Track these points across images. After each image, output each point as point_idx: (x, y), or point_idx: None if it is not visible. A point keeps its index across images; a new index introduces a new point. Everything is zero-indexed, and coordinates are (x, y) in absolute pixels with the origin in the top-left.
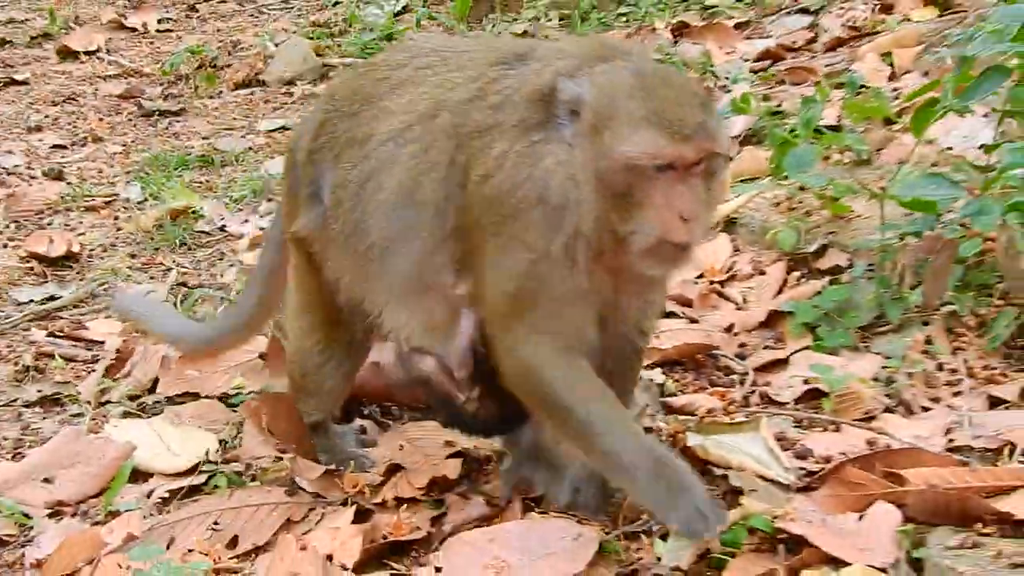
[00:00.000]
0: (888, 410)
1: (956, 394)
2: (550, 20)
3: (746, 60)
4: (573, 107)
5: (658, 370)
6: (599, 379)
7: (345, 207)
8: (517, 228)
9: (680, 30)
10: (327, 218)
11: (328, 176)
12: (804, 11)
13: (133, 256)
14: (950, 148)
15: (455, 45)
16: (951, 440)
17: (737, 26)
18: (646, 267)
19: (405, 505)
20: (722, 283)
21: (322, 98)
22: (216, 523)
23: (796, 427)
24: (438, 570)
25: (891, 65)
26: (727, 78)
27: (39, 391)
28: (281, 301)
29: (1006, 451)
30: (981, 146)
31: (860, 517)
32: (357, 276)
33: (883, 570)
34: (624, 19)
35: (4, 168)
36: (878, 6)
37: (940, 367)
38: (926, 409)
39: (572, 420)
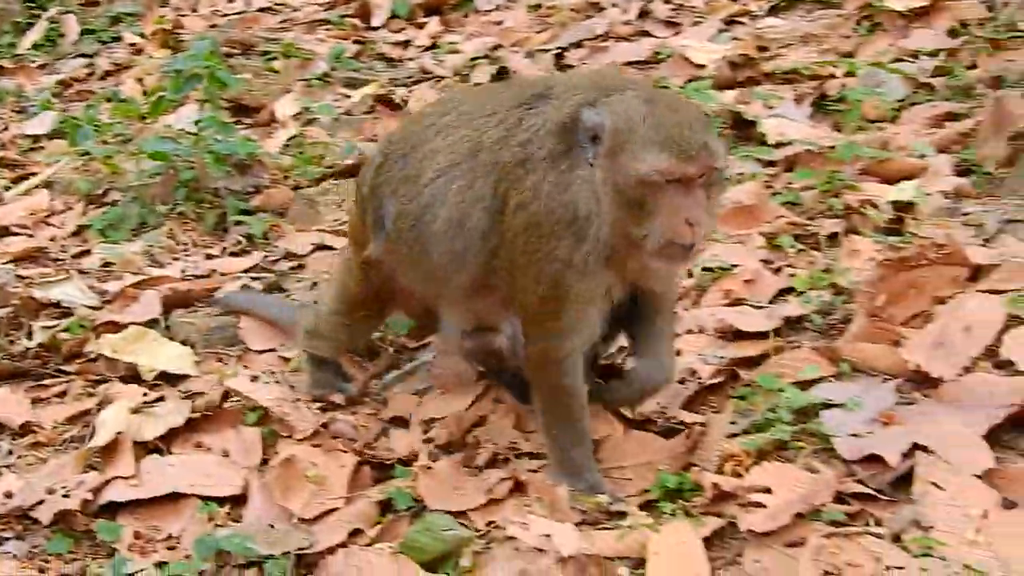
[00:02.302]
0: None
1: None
2: None
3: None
4: (594, 133)
5: None
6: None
7: (407, 235)
8: (551, 246)
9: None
10: (392, 242)
11: (389, 207)
12: (83, 55)
13: None
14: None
15: (487, 93)
16: None
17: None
18: (656, 265)
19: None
20: None
21: (382, 143)
22: None
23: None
24: None
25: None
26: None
27: None
28: None
29: None
30: (196, 122)
31: None
32: (424, 287)
33: None
34: None
35: None
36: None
37: (177, 241)
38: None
39: (561, 398)
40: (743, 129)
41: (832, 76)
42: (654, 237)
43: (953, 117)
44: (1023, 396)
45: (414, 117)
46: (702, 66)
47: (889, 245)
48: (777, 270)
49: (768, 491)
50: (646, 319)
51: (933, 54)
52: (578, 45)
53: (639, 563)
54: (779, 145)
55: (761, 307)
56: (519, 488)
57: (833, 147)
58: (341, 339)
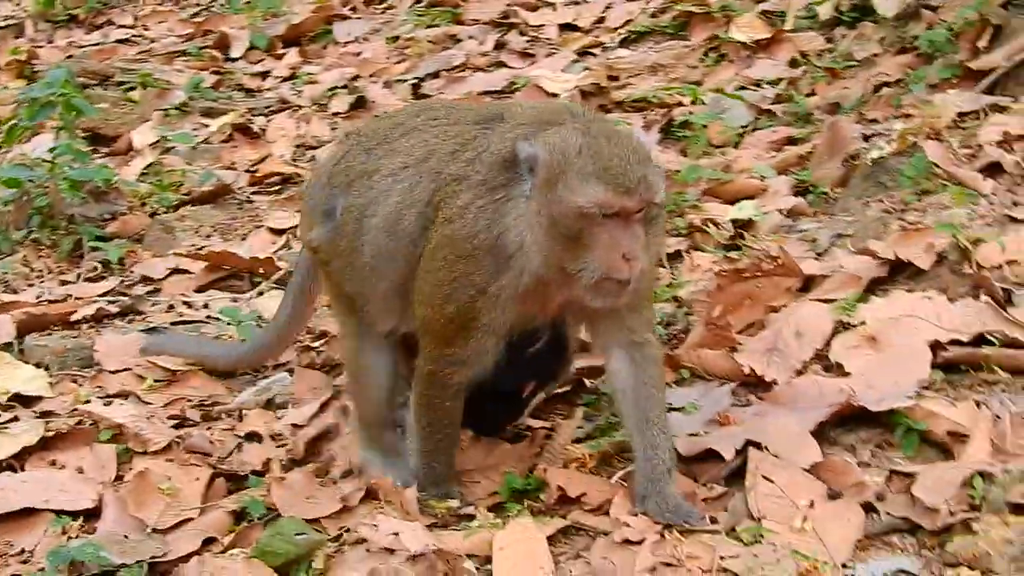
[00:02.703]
0: None
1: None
2: None
3: None
4: (530, 165)
5: None
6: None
7: (349, 228)
8: (468, 269)
9: None
10: (336, 234)
11: (340, 199)
12: None
13: None
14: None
15: (460, 106)
16: None
17: None
18: (591, 300)
19: None
20: None
21: (350, 134)
22: None
23: None
24: None
25: None
26: None
27: None
28: (309, 316)
29: None
30: (51, 149)
31: None
32: (355, 286)
33: None
34: None
35: None
36: None
37: (32, 268)
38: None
39: (441, 417)
40: None
41: (679, 104)
42: (589, 271)
43: (792, 141)
44: (848, 395)
45: (385, 115)
46: (555, 95)
47: (725, 258)
48: None
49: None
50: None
51: (775, 83)
52: (435, 75)
53: (486, 560)
54: None
55: None
56: (371, 496)
57: (678, 171)
58: (378, 375)
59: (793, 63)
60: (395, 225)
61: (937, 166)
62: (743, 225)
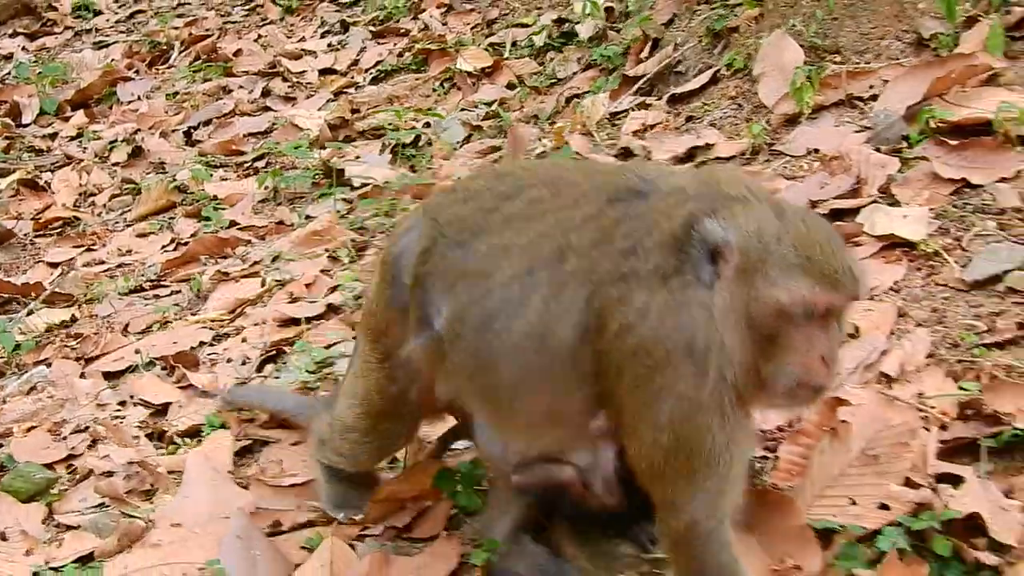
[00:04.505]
0: None
1: None
2: None
3: None
4: (716, 249)
5: None
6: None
7: (467, 342)
8: (667, 379)
9: None
10: (441, 346)
11: (442, 305)
12: None
13: None
14: None
15: (562, 175)
16: None
17: None
18: (783, 406)
19: None
20: None
21: (421, 220)
22: None
23: None
24: None
25: None
26: None
27: None
28: None
29: None
30: None
31: None
32: (481, 406)
33: None
34: None
35: None
36: None
37: None
38: None
39: None
40: (335, 177)
41: (412, 128)
42: (785, 376)
43: (495, 149)
44: None
45: (464, 193)
46: (307, 130)
47: (383, 230)
48: (331, 275)
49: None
50: None
51: (491, 104)
52: (208, 123)
53: None
54: (362, 186)
55: (314, 302)
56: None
57: (390, 181)
58: (360, 456)
59: (510, 86)
60: (543, 341)
61: (579, 154)
62: None
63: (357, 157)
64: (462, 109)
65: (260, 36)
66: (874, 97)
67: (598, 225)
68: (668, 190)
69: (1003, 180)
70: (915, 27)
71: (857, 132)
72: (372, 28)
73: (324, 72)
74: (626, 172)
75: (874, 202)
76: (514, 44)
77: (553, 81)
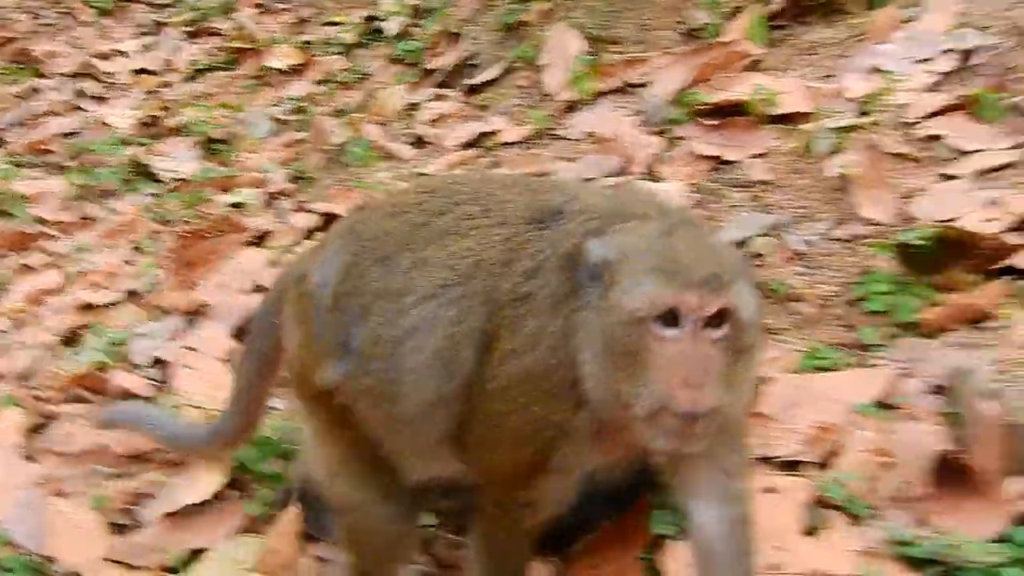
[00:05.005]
0: None
1: None
2: None
3: None
4: (596, 271)
5: None
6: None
7: (380, 364)
8: (548, 408)
9: None
10: (359, 372)
11: (357, 327)
12: None
13: None
14: None
15: (495, 191)
16: None
17: None
18: (650, 439)
19: None
20: None
21: (345, 237)
22: None
23: None
24: None
25: None
26: None
27: None
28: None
29: None
30: None
31: None
32: (386, 433)
33: None
34: None
35: None
36: None
37: None
38: None
39: (500, 565)
40: (145, 173)
41: (222, 124)
42: (644, 399)
43: (300, 142)
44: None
45: (390, 207)
46: (118, 129)
47: (185, 220)
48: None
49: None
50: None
51: (300, 99)
52: (21, 124)
53: None
54: (172, 181)
55: (113, 290)
56: None
57: (196, 174)
58: (401, 538)
59: (319, 82)
60: (451, 364)
61: (375, 143)
62: (236, 206)
63: (168, 154)
64: (272, 105)
65: (73, 38)
66: (647, 84)
67: (512, 244)
68: (581, 209)
69: (755, 156)
70: (687, 18)
71: (630, 116)
72: (186, 29)
73: (138, 72)
74: (551, 191)
75: (640, 178)
76: (325, 42)
77: (361, 76)
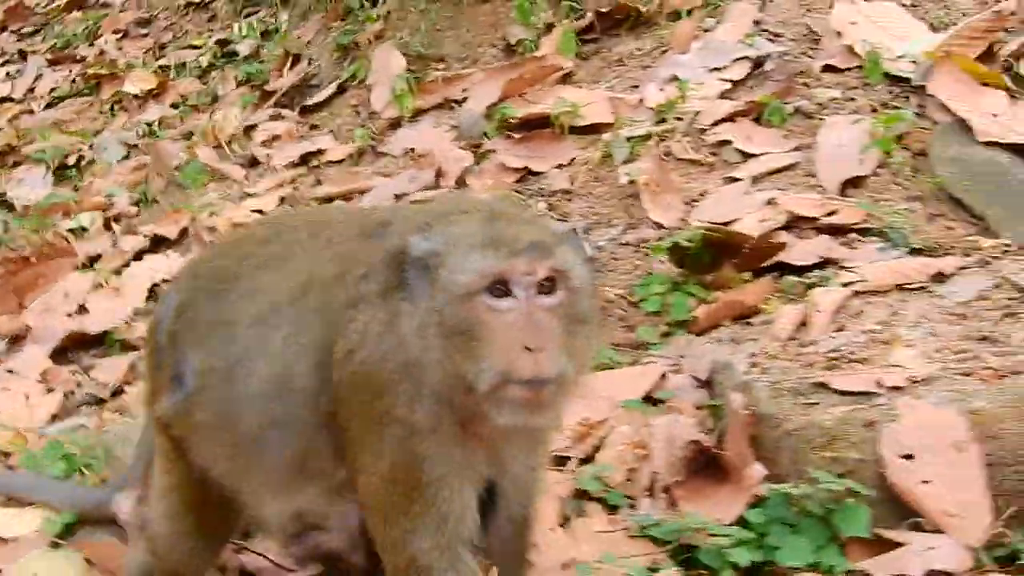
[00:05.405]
0: None
1: None
2: None
3: None
4: (422, 262)
5: None
6: None
7: (212, 395)
8: (386, 403)
9: None
10: (191, 404)
11: (191, 359)
12: None
13: None
14: None
15: (324, 218)
16: None
17: None
18: (498, 416)
19: None
20: None
21: (182, 277)
22: None
23: None
24: None
25: None
26: None
27: None
28: None
29: None
30: None
31: None
32: (227, 466)
33: None
34: None
35: None
36: None
37: None
38: None
39: None
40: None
41: (76, 150)
42: (485, 374)
43: (146, 166)
44: (78, 325)
45: (226, 246)
46: None
47: (11, 248)
48: None
49: None
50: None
51: (154, 123)
52: None
53: None
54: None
55: None
56: None
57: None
58: (199, 567)
59: (174, 105)
60: (285, 385)
61: (208, 166)
62: (79, 231)
63: (19, 179)
64: (127, 129)
65: None
66: (465, 100)
67: (344, 259)
68: (407, 216)
69: (559, 167)
70: (506, 34)
71: (448, 132)
72: (49, 56)
73: (2, 100)
74: (378, 211)
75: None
76: (182, 65)
77: (213, 99)
